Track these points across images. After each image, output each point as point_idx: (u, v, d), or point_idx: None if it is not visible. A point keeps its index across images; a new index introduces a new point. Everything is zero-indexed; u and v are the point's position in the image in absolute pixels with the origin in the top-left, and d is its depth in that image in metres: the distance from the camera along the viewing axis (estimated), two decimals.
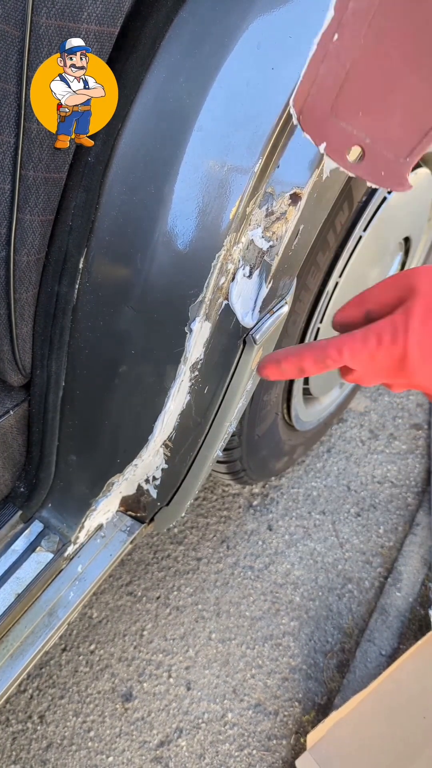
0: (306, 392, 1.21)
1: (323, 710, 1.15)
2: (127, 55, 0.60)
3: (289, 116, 0.60)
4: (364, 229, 0.96)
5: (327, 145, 0.54)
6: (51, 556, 0.83)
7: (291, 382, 1.09)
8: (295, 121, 0.54)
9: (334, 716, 1.04)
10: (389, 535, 1.40)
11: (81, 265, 0.66)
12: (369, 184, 0.55)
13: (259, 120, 0.59)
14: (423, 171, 1.10)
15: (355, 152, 0.54)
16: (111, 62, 0.56)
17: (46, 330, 0.71)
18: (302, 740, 1.10)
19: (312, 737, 1.04)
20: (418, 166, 1.08)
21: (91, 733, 1.10)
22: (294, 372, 0.58)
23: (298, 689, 1.17)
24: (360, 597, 1.31)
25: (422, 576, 1.32)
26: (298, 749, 1.10)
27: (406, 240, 1.28)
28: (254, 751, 1.10)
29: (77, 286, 0.67)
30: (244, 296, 0.67)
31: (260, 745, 1.11)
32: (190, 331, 0.66)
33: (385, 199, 0.97)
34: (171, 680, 1.17)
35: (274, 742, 1.11)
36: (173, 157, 0.61)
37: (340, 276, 0.97)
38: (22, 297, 0.66)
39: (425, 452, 1.57)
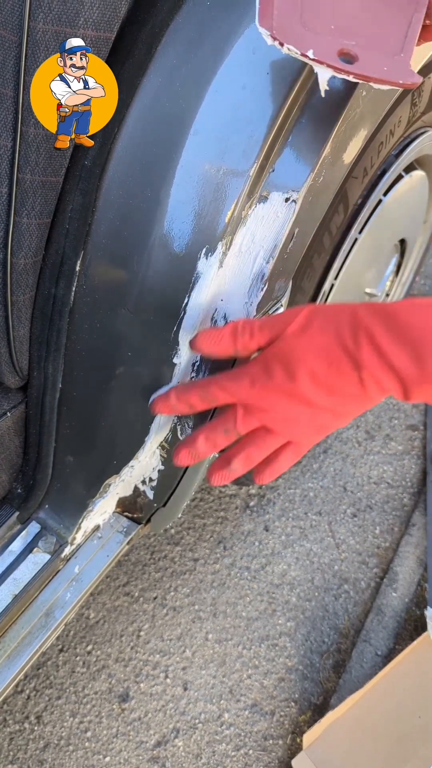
0: None
1: (319, 710, 1.15)
2: (124, 60, 0.60)
3: (285, 120, 0.61)
4: (360, 232, 0.96)
5: (314, 52, 0.49)
6: (48, 557, 0.83)
7: None
8: (269, 40, 0.49)
9: (330, 716, 1.05)
10: (385, 535, 1.41)
11: (78, 268, 0.67)
12: (376, 85, 0.50)
13: (254, 124, 0.60)
14: (418, 173, 1.10)
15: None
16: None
17: (43, 332, 0.71)
18: (298, 740, 1.11)
19: (308, 737, 1.05)
20: (413, 168, 1.09)
21: (88, 734, 1.10)
22: (185, 408, 0.64)
23: (294, 689, 1.18)
24: (356, 597, 1.31)
25: (418, 576, 1.33)
26: (295, 749, 1.10)
27: (402, 242, 1.29)
28: (251, 751, 1.10)
29: (74, 289, 0.68)
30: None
31: (257, 745, 1.11)
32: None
33: (380, 201, 0.98)
34: (168, 681, 1.17)
35: (271, 742, 1.12)
36: (169, 161, 0.61)
37: (336, 278, 0.98)
38: (19, 299, 0.67)
39: (421, 453, 1.57)
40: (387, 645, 1.22)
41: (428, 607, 1.24)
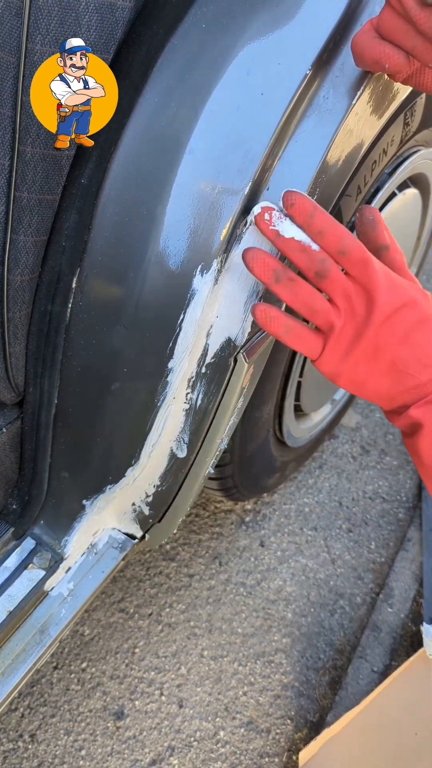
0: (297, 409, 1.21)
1: (315, 728, 1.14)
2: (120, 81, 0.61)
3: (279, 140, 0.61)
4: None
5: None
6: (43, 573, 0.83)
7: (282, 399, 1.10)
8: None
9: (326, 733, 1.04)
10: (381, 550, 1.41)
11: (74, 285, 0.67)
12: None
13: (249, 143, 0.61)
14: (411, 191, 1.11)
15: None
16: None
17: (39, 348, 0.71)
18: (294, 758, 1.10)
19: (304, 755, 1.04)
20: (406, 186, 1.10)
21: (83, 752, 1.09)
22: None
23: (290, 707, 1.17)
24: (352, 613, 1.31)
25: (414, 592, 1.33)
26: (291, 767, 1.09)
27: None
28: None
29: (70, 306, 0.68)
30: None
31: (252, 763, 1.10)
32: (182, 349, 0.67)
33: None
34: (163, 698, 1.16)
35: (267, 760, 1.11)
36: (165, 180, 0.62)
37: None
38: (15, 316, 0.67)
39: (416, 467, 1.57)
40: (383, 661, 1.21)
41: (424, 623, 1.23)
